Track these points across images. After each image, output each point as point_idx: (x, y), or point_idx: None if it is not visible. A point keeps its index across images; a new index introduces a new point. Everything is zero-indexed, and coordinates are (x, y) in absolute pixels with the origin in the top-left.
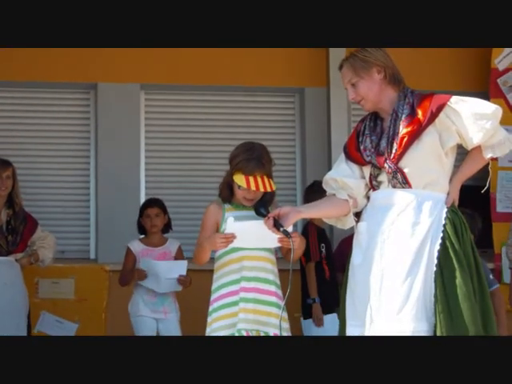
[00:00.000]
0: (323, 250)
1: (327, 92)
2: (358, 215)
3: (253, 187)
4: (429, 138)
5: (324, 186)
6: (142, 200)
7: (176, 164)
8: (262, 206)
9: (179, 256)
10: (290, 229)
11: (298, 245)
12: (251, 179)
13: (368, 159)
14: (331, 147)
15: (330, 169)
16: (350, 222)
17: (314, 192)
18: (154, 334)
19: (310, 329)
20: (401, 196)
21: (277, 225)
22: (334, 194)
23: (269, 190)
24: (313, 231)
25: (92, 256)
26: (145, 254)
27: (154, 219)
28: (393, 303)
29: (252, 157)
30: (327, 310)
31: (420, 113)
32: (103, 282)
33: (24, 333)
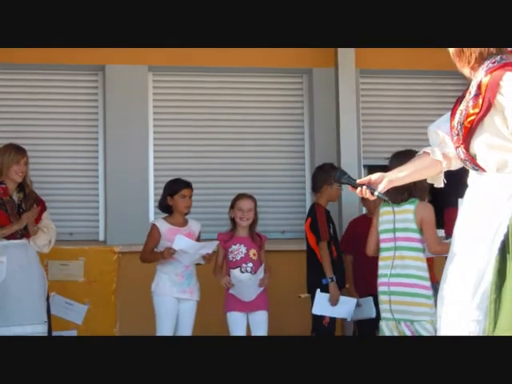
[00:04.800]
0: (331, 230)
1: (335, 72)
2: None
3: None
4: (491, 120)
5: (428, 134)
6: (151, 181)
7: (184, 145)
8: (345, 174)
9: (200, 237)
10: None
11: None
12: None
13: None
14: (340, 127)
15: (338, 148)
16: (439, 181)
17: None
18: (175, 315)
19: (325, 304)
20: (475, 180)
21: (371, 190)
22: (429, 154)
23: None
24: (321, 211)
25: (101, 238)
26: (171, 233)
27: (189, 200)
28: (453, 287)
29: None
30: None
31: (480, 98)
32: (112, 263)
33: (43, 315)
